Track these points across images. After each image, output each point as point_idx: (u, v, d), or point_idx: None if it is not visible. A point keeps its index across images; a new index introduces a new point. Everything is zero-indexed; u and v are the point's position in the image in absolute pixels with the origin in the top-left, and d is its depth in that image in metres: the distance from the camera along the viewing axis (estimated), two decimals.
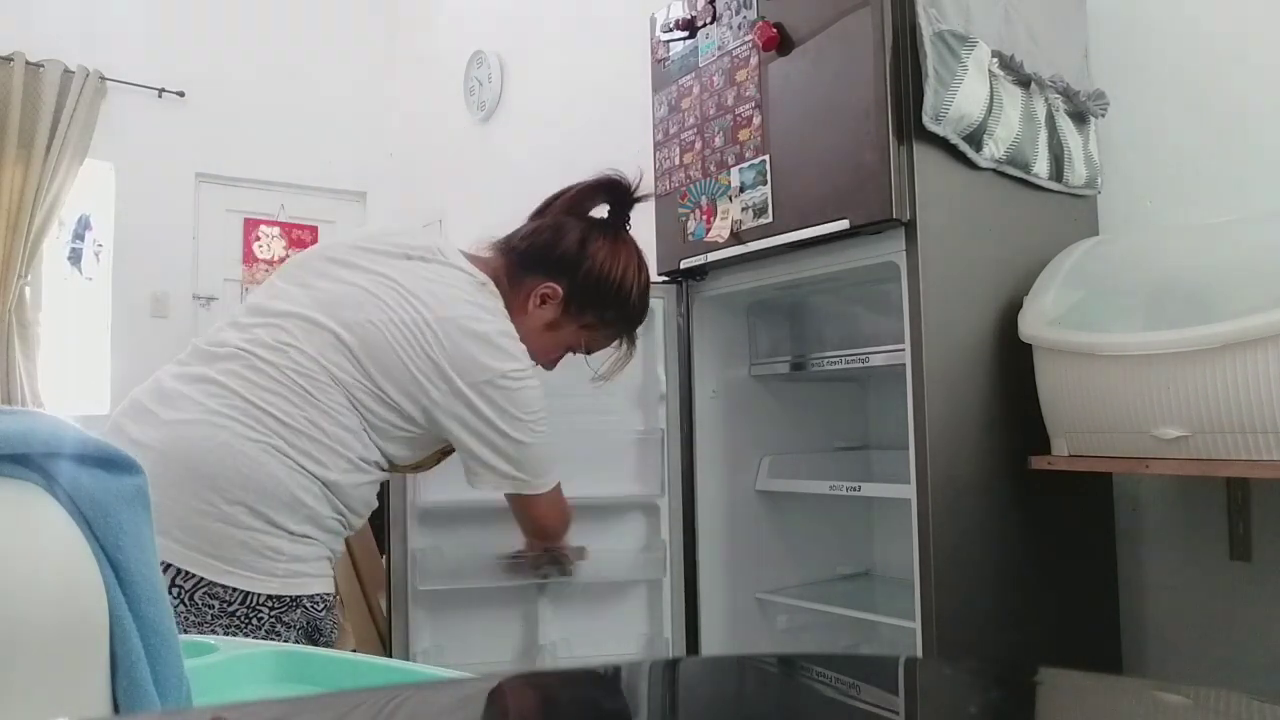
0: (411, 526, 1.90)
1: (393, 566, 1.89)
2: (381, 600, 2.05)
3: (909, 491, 1.54)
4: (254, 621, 1.18)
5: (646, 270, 1.51)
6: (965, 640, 1.51)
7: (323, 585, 1.27)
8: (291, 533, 1.22)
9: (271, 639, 1.17)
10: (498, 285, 1.40)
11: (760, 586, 2.05)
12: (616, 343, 1.54)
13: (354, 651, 2.05)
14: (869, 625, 1.99)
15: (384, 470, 1.36)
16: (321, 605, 1.26)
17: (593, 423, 2.02)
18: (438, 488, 1.91)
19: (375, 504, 1.40)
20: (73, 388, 3.97)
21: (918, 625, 1.51)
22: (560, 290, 1.42)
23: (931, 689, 0.56)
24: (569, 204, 1.49)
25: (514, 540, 2.04)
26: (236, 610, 1.17)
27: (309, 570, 1.24)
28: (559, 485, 1.49)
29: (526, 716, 0.50)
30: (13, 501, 0.50)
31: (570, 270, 1.42)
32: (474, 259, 1.43)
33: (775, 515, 2.10)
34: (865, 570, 2.21)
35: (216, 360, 1.28)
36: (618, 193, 1.50)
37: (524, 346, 1.36)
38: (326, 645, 1.27)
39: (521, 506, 1.50)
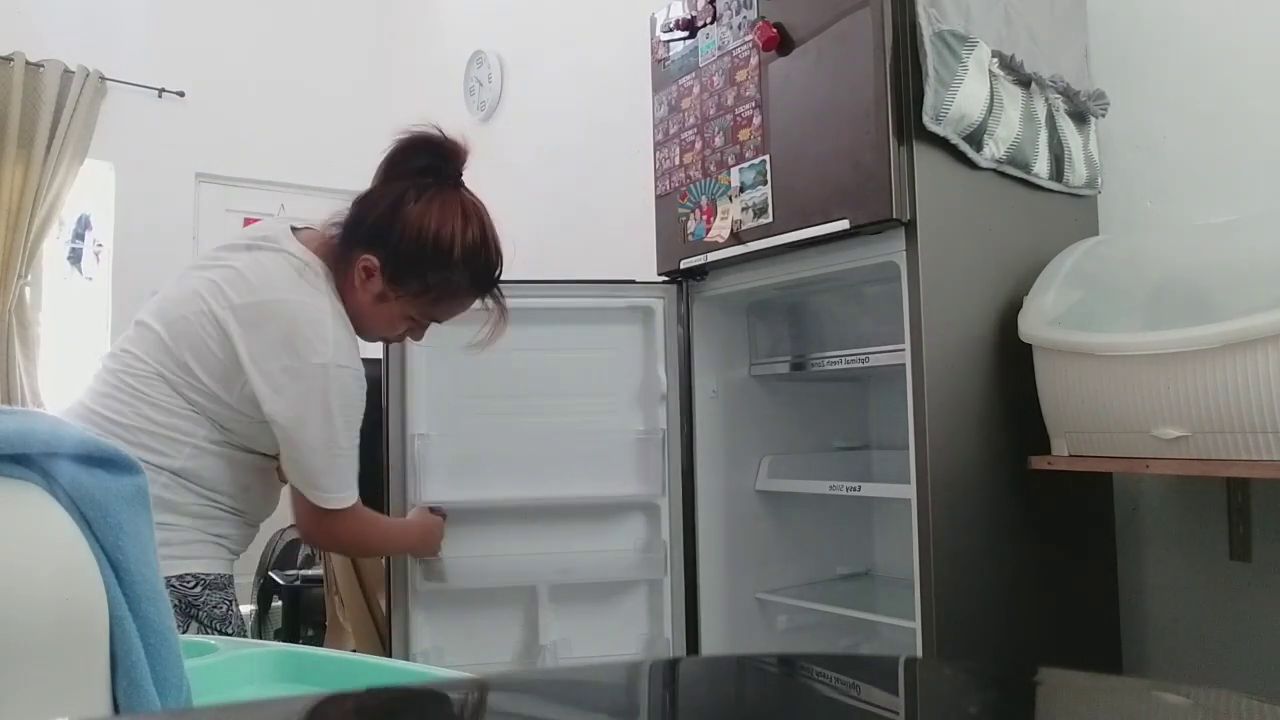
0: None
1: (393, 566, 1.89)
2: (381, 600, 2.05)
3: (909, 491, 1.54)
4: None
5: (478, 222, 1.39)
6: (965, 640, 1.51)
7: (194, 566, 1.29)
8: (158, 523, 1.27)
9: None
10: (328, 264, 1.36)
11: (760, 586, 2.05)
12: (481, 307, 1.46)
13: (354, 651, 2.05)
14: (869, 625, 1.99)
15: (248, 451, 1.36)
16: (194, 583, 1.29)
17: (593, 423, 2.02)
18: (437, 488, 1.91)
19: (261, 496, 1.41)
20: (73, 388, 3.97)
21: (918, 625, 1.51)
22: (377, 261, 1.35)
23: (931, 689, 0.56)
24: (385, 169, 1.39)
25: (513, 542, 2.04)
26: None
27: (170, 553, 1.25)
28: (349, 512, 1.38)
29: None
30: (13, 501, 0.50)
31: (384, 238, 1.34)
32: (311, 239, 1.39)
33: (775, 515, 2.10)
34: (865, 570, 2.21)
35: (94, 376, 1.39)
36: (435, 148, 1.39)
37: (341, 336, 1.31)
38: (209, 624, 1.30)
39: (298, 506, 1.39)
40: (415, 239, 1.33)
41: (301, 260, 1.34)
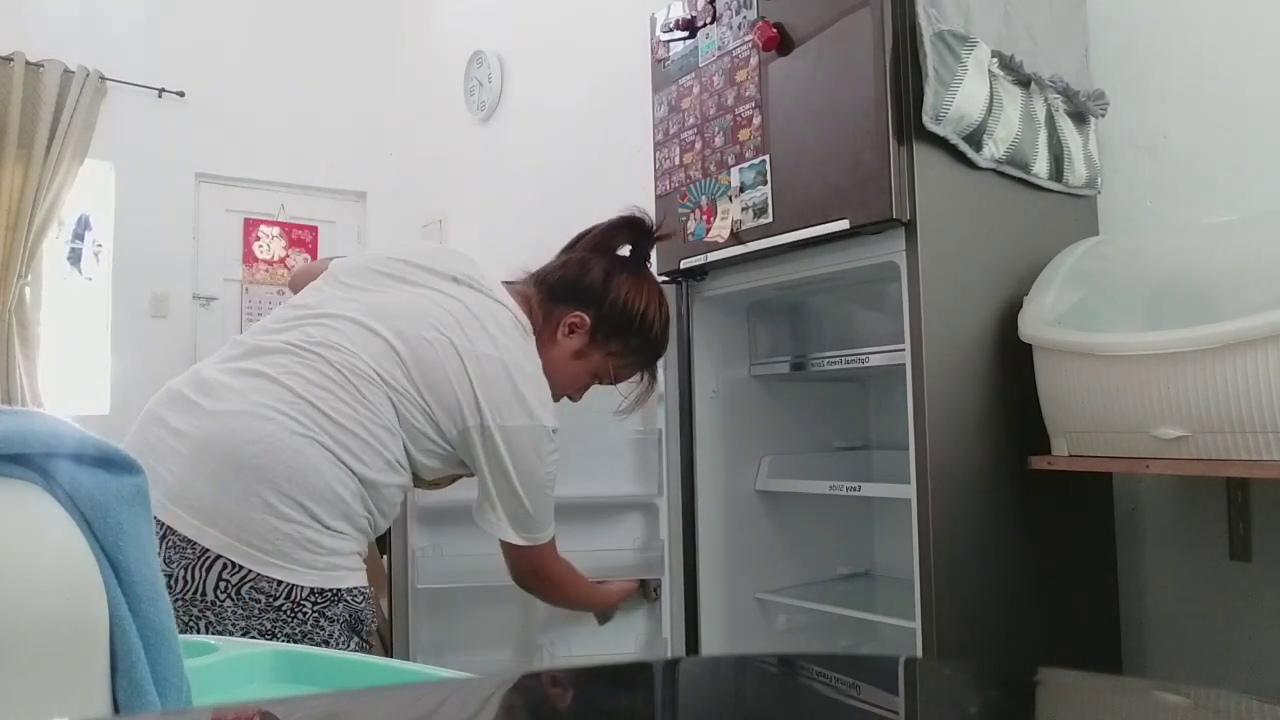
0: (411, 525, 1.91)
1: (393, 566, 1.89)
2: (382, 600, 2.05)
3: (909, 491, 1.54)
4: (299, 616, 1.19)
5: (667, 306, 1.57)
6: (965, 640, 1.51)
7: (359, 578, 1.29)
8: (328, 527, 1.24)
9: (317, 632, 1.19)
10: (529, 317, 1.46)
11: (760, 586, 2.05)
12: (638, 376, 1.59)
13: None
14: (869, 625, 1.99)
15: (408, 481, 1.39)
16: (360, 597, 1.28)
17: (591, 422, 2.02)
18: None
19: (398, 511, 1.43)
20: (73, 388, 3.97)
21: (918, 625, 1.51)
22: (588, 319, 1.49)
23: (931, 689, 0.56)
24: (595, 241, 1.56)
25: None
26: (282, 605, 1.18)
27: (346, 564, 1.26)
28: (549, 547, 1.49)
29: (527, 716, 0.50)
30: (13, 501, 0.50)
31: (596, 300, 1.49)
32: (511, 289, 1.50)
33: (775, 515, 2.10)
34: (865, 570, 2.21)
35: (264, 354, 1.30)
36: (640, 231, 1.58)
37: (552, 402, 1.42)
38: (368, 635, 1.30)
39: (505, 549, 1.47)
40: (626, 307, 1.50)
41: (520, 321, 1.44)
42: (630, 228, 1.57)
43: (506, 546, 1.45)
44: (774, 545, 2.09)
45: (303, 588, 1.20)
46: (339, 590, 1.23)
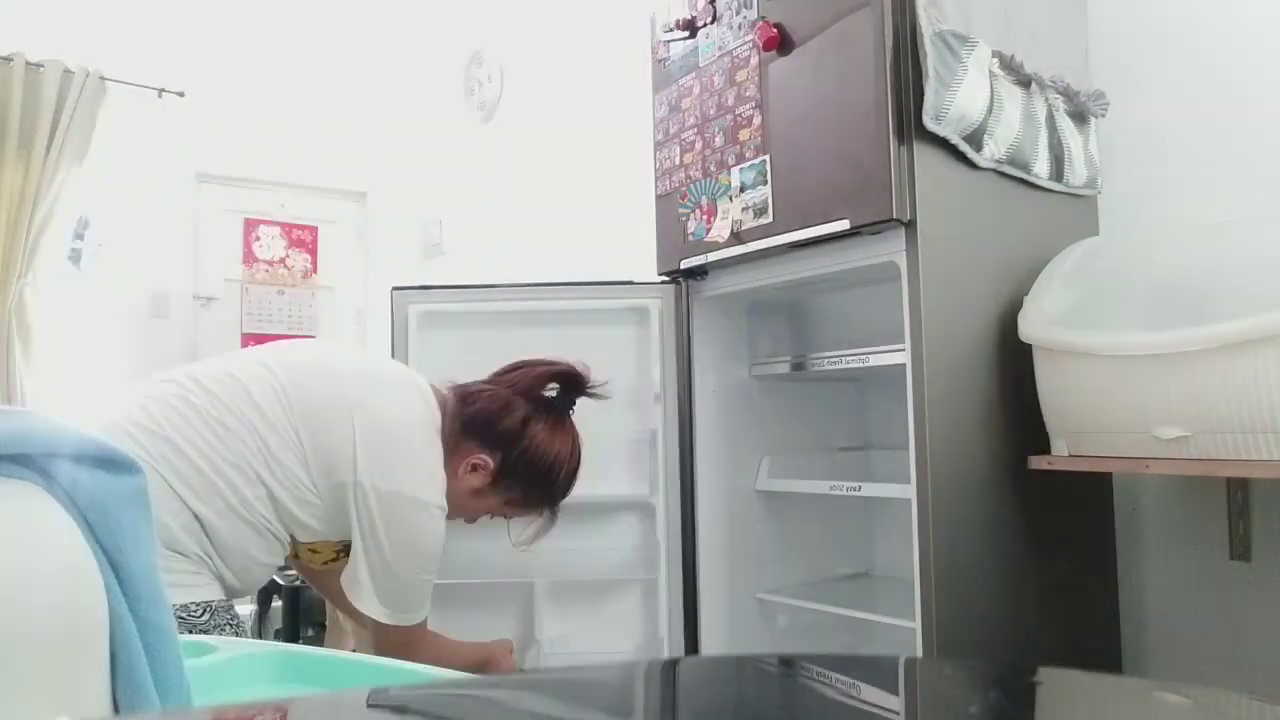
0: None
1: None
2: None
3: (909, 491, 1.54)
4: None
5: (579, 455, 1.53)
6: (965, 640, 1.51)
7: (198, 594, 1.26)
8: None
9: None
10: (442, 427, 1.41)
11: (760, 586, 2.05)
12: (538, 513, 1.56)
13: (354, 651, 2.05)
14: (869, 625, 1.99)
15: (278, 537, 1.34)
16: (201, 611, 1.25)
17: (589, 423, 2.02)
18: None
19: (258, 580, 1.38)
20: (73, 388, 3.97)
21: (918, 625, 1.51)
22: (492, 464, 1.45)
23: (931, 689, 0.56)
24: (524, 383, 1.50)
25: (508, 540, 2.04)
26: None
27: (173, 580, 1.20)
28: (419, 628, 1.43)
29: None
30: (13, 501, 0.50)
31: (506, 446, 1.45)
32: (435, 391, 1.46)
33: (775, 515, 2.10)
34: (865, 570, 2.21)
35: (169, 382, 1.34)
36: (573, 384, 1.54)
37: (438, 482, 1.36)
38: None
39: (370, 623, 1.40)
40: (534, 459, 1.45)
41: (435, 418, 1.40)
42: (563, 378, 1.53)
43: (372, 624, 1.38)
44: (774, 545, 2.09)
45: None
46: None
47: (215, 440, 1.26)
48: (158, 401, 1.29)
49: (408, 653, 1.35)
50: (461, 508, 1.47)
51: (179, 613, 1.23)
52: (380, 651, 1.39)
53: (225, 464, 1.26)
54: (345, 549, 1.43)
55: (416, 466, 1.33)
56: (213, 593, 1.29)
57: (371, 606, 1.33)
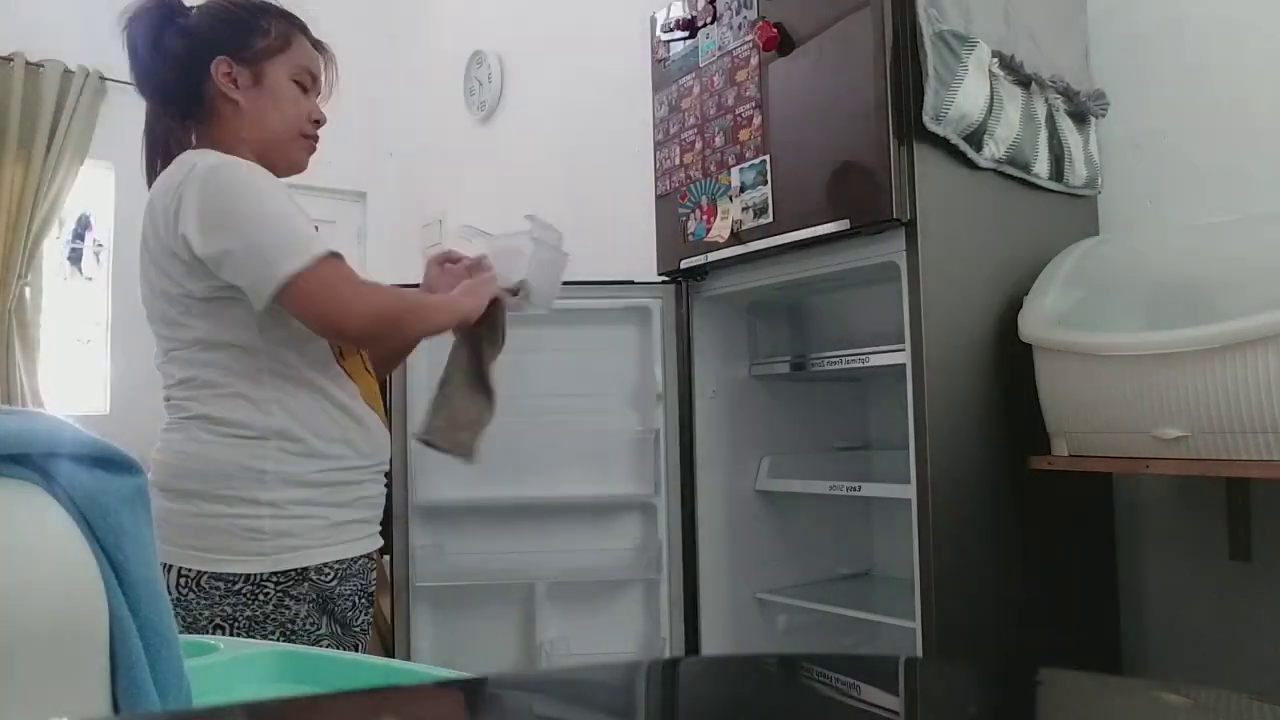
0: (413, 524, 1.91)
1: (394, 564, 1.89)
2: (382, 601, 2.05)
3: (909, 491, 1.54)
4: (260, 597, 1.15)
5: None
6: (965, 640, 1.51)
7: (331, 554, 1.19)
8: (273, 505, 1.15)
9: (281, 611, 1.15)
10: (182, 149, 1.25)
11: (760, 586, 2.05)
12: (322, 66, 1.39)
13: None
14: (869, 625, 1.99)
15: (285, 368, 1.19)
16: (331, 575, 1.18)
17: (589, 422, 2.02)
18: (438, 486, 1.92)
19: (330, 413, 1.20)
20: (73, 388, 3.97)
21: (918, 625, 1.51)
22: (226, 60, 1.26)
23: (931, 689, 0.56)
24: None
25: (512, 540, 2.04)
26: (242, 589, 1.14)
27: (305, 542, 1.17)
28: (331, 266, 1.15)
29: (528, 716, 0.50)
30: (13, 501, 0.50)
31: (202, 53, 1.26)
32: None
33: (775, 515, 2.10)
34: (865, 570, 2.21)
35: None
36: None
37: (210, 152, 1.20)
38: (344, 616, 1.21)
39: (300, 316, 1.17)
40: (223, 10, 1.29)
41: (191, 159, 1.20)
42: None
43: (298, 311, 1.15)
44: (774, 545, 2.09)
45: (260, 574, 1.14)
46: (304, 569, 1.16)
47: (168, 363, 1.25)
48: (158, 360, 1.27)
49: (348, 308, 1.16)
50: (277, 120, 1.32)
51: (311, 575, 1.16)
52: (326, 332, 1.19)
53: (214, 353, 1.20)
54: None
55: (185, 166, 1.18)
56: (345, 550, 1.21)
57: (259, 285, 1.14)
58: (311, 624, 1.18)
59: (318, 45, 1.44)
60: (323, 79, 1.45)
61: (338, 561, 1.20)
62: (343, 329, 1.19)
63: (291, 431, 1.18)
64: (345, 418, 1.23)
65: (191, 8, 1.31)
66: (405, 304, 1.28)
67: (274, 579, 1.15)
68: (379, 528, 1.31)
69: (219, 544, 1.15)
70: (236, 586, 1.14)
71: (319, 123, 1.40)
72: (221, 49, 1.27)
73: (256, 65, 1.30)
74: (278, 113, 1.32)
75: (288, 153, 1.35)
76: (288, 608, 1.16)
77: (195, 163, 1.18)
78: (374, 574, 1.29)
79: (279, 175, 1.28)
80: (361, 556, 1.24)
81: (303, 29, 1.42)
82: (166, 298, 1.22)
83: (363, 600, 1.24)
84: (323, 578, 1.18)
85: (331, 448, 1.20)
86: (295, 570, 1.16)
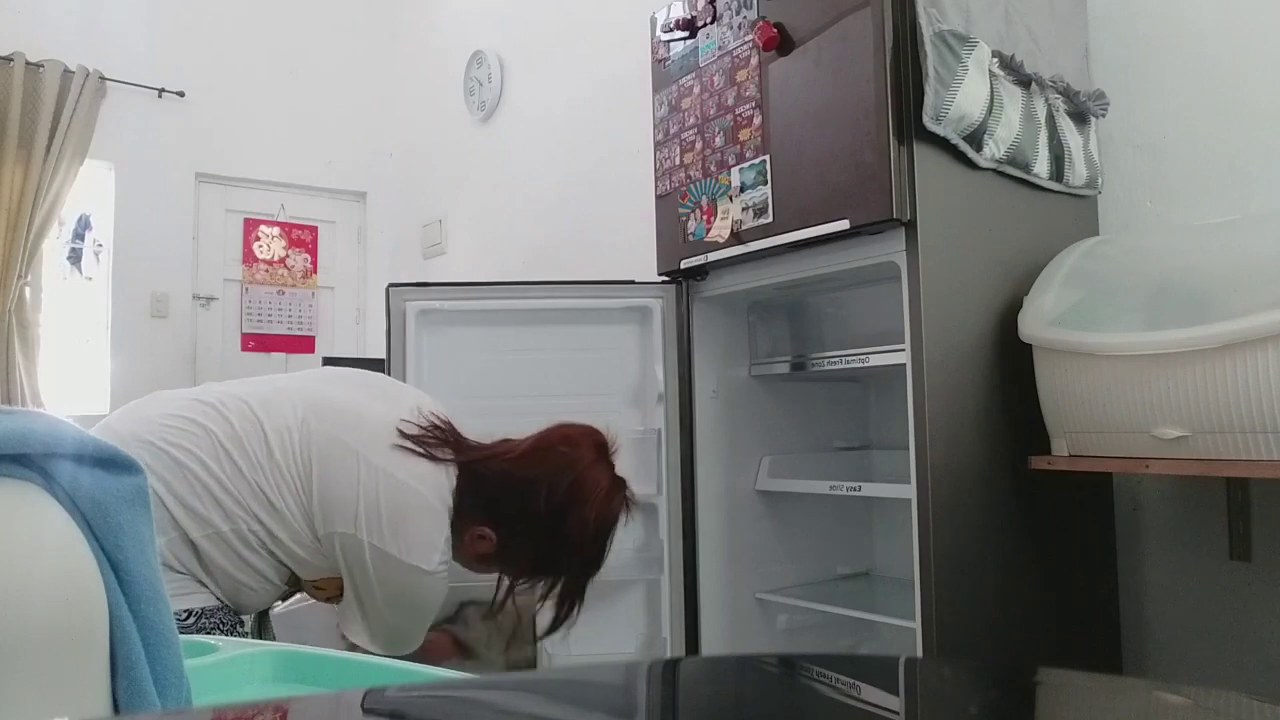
0: None
1: None
2: None
3: (909, 491, 1.54)
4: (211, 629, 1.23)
5: (598, 532, 1.38)
6: (965, 640, 1.51)
7: (188, 602, 1.24)
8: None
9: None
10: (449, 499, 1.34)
11: (760, 586, 2.05)
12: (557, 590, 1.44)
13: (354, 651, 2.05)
14: (869, 625, 1.99)
15: (274, 570, 1.31)
16: (187, 615, 1.23)
17: (591, 423, 2.02)
18: None
19: (258, 603, 1.35)
20: (73, 388, 3.97)
21: (918, 625, 1.51)
22: (495, 538, 1.36)
23: (931, 689, 0.56)
24: (532, 456, 1.39)
25: None
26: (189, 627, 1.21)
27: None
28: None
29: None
30: (13, 501, 0.49)
31: (509, 524, 1.36)
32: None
33: (775, 515, 2.10)
34: (865, 570, 2.21)
35: (184, 395, 1.34)
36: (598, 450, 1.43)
37: (435, 550, 1.30)
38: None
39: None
40: (536, 539, 1.36)
41: (447, 483, 1.33)
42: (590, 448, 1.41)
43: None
44: (774, 545, 2.09)
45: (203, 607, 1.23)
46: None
47: (218, 469, 1.25)
48: (172, 416, 1.28)
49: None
50: (472, 570, 1.43)
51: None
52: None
53: (224, 494, 1.24)
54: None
55: (416, 535, 1.28)
56: (205, 600, 1.27)
57: (363, 640, 1.31)
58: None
59: None
60: None
61: (199, 607, 1.26)
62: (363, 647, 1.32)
63: (200, 551, 1.25)
64: (249, 597, 1.34)
65: None
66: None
67: (222, 609, 1.24)
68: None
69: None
70: (186, 621, 1.21)
71: None
72: (501, 525, 1.40)
73: (504, 562, 1.42)
74: (477, 570, 1.46)
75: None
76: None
77: (420, 551, 1.29)
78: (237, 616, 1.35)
79: None
80: (216, 605, 1.30)
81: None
82: (277, 476, 1.28)
83: (223, 629, 1.29)
84: (178, 619, 1.23)
85: (215, 590, 1.29)
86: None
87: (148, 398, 1.34)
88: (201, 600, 1.26)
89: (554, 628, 1.43)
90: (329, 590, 1.41)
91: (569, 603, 1.40)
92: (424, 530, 1.29)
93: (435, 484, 1.31)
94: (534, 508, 1.33)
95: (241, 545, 1.26)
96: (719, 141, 1.85)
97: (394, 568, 1.27)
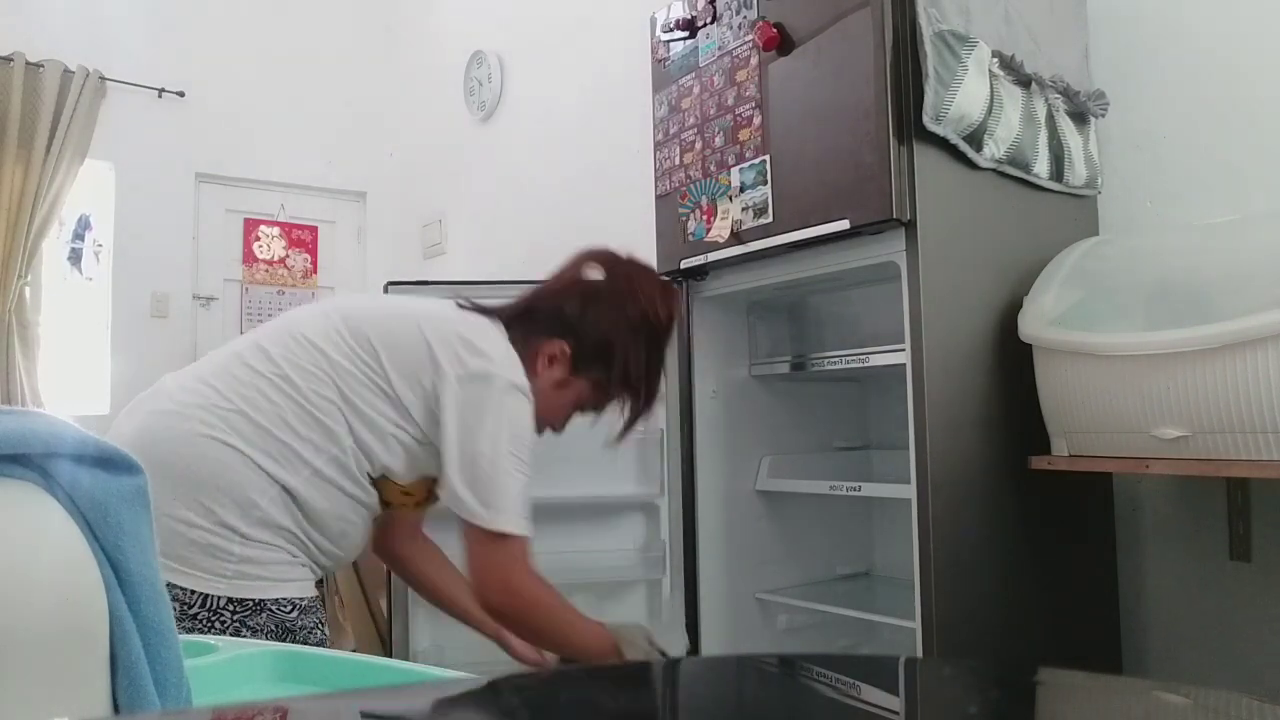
0: None
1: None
2: (381, 600, 2.05)
3: (909, 491, 1.54)
4: (216, 625, 1.14)
5: (661, 313, 1.41)
6: (965, 640, 1.51)
7: (291, 590, 1.20)
8: (243, 535, 1.17)
9: (239, 637, 1.15)
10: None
11: (760, 586, 2.05)
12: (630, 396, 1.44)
13: (354, 651, 2.05)
14: (869, 625, 1.99)
15: (364, 496, 1.28)
16: (291, 608, 1.19)
17: (591, 422, 2.02)
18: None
19: (357, 541, 1.32)
20: (73, 388, 3.97)
21: (918, 625, 1.51)
22: (568, 349, 1.37)
23: (931, 689, 0.56)
24: (570, 272, 1.45)
25: None
26: (198, 613, 1.14)
27: (266, 574, 1.18)
28: (522, 546, 1.26)
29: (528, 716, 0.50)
30: (13, 501, 0.50)
31: (576, 329, 1.38)
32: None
33: (775, 515, 2.10)
34: (865, 570, 2.21)
35: (214, 358, 1.29)
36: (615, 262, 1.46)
37: (518, 366, 1.30)
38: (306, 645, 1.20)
39: (468, 547, 1.27)
40: (606, 330, 1.38)
41: (485, 318, 1.36)
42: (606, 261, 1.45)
43: (471, 546, 1.26)
44: (774, 545, 2.09)
45: (216, 596, 1.14)
46: (262, 601, 1.17)
47: (288, 403, 1.21)
48: (219, 377, 1.24)
49: (515, 588, 1.26)
50: (549, 408, 1.39)
51: (270, 606, 1.18)
52: (483, 593, 1.27)
53: (303, 425, 1.21)
54: (436, 486, 1.35)
55: (495, 349, 1.28)
56: (304, 589, 1.23)
57: (466, 506, 1.23)
58: None
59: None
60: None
61: (298, 597, 1.22)
62: (485, 595, 1.28)
63: (301, 500, 1.22)
64: (351, 534, 1.30)
65: None
66: (548, 615, 1.32)
67: (230, 606, 1.16)
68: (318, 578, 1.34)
69: (182, 554, 1.14)
70: (193, 610, 1.14)
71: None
72: (570, 334, 1.40)
73: (582, 373, 1.41)
74: (564, 402, 1.42)
75: (547, 423, 1.42)
76: (245, 637, 1.16)
77: (504, 361, 1.28)
78: (322, 612, 1.31)
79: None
80: (311, 598, 1.26)
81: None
82: (348, 378, 1.25)
83: (321, 629, 1.25)
84: (281, 609, 1.19)
85: (321, 540, 1.26)
86: (253, 600, 1.17)
87: (153, 389, 1.29)
88: (298, 589, 1.22)
89: (632, 421, 1.45)
90: (417, 495, 1.37)
91: (650, 385, 1.42)
92: (500, 345, 1.29)
93: (486, 321, 1.34)
94: (596, 298, 1.38)
95: (339, 474, 1.23)
96: (719, 141, 1.85)
97: (486, 388, 1.25)
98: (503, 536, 1.24)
